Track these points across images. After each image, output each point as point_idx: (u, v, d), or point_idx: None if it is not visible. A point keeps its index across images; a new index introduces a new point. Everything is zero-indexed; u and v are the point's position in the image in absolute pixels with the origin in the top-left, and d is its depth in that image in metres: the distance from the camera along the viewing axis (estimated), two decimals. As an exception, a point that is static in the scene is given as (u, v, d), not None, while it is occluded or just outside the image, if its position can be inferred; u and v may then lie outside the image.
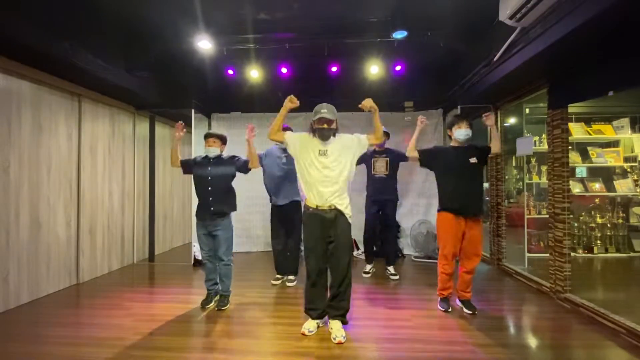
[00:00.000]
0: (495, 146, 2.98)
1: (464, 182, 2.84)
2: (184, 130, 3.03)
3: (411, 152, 3.07)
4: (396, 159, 3.95)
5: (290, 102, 2.53)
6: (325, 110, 2.47)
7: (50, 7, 2.91)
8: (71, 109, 3.69)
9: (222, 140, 3.05)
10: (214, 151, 2.99)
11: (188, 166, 3.05)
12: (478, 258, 2.88)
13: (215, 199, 2.95)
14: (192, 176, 3.08)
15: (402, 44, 3.75)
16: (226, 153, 3.14)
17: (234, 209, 3.10)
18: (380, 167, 3.92)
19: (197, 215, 3.02)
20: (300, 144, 2.54)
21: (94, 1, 3.19)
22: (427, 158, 3.03)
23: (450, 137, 2.99)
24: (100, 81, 3.59)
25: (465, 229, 2.84)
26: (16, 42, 2.64)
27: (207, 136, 3.00)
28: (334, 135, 2.53)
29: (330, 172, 2.45)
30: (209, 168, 2.98)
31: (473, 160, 2.86)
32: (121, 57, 3.81)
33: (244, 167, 3.04)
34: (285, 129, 3.57)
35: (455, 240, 2.86)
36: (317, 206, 2.47)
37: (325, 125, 2.45)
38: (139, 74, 4.00)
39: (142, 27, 3.68)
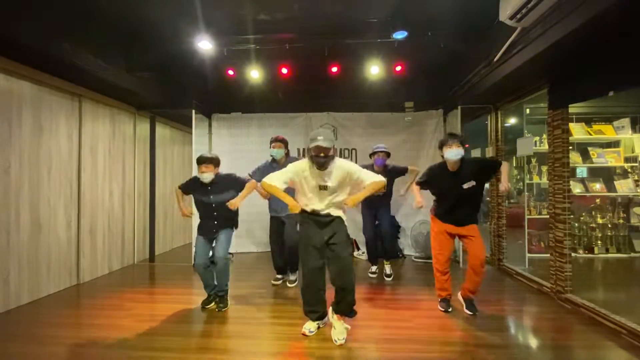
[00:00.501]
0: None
1: (457, 206, 2.83)
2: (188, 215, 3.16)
3: (415, 190, 3.07)
4: (394, 176, 3.92)
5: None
6: (321, 137, 2.37)
7: (50, 8, 2.91)
8: (72, 109, 3.70)
9: (215, 163, 2.95)
10: (207, 177, 2.91)
11: (187, 190, 3.10)
12: (481, 274, 2.81)
13: (219, 224, 2.99)
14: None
15: (402, 45, 3.74)
16: (225, 164, 3.13)
17: (237, 226, 3.15)
18: None
19: (199, 232, 3.03)
20: (298, 177, 2.49)
21: (95, 2, 3.19)
22: (425, 187, 3.00)
23: (442, 156, 2.85)
24: (101, 81, 3.59)
25: (459, 233, 2.87)
26: (17, 42, 2.64)
27: (200, 162, 2.90)
28: (333, 160, 2.46)
29: (325, 204, 2.48)
30: (211, 196, 2.95)
31: (467, 185, 2.74)
32: (121, 58, 3.81)
33: (241, 188, 3.03)
34: (281, 140, 3.53)
35: (446, 243, 2.91)
36: (312, 210, 2.51)
37: (322, 154, 2.38)
38: (140, 74, 4.00)
39: (143, 27, 3.68)
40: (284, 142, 3.56)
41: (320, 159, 2.37)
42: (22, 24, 2.64)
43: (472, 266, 2.83)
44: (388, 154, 3.85)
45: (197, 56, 4.10)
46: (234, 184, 3.02)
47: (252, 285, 3.67)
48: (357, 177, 2.45)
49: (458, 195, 2.78)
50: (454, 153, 2.71)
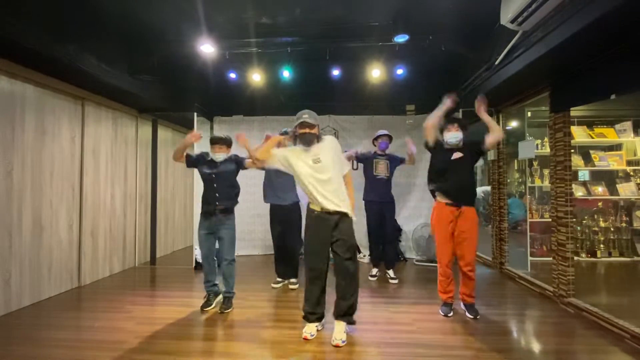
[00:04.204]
0: (494, 135, 2.78)
1: (453, 175, 2.87)
2: (197, 139, 3.02)
3: (429, 129, 2.95)
4: (394, 163, 4.04)
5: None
6: (306, 115, 2.48)
7: (54, 11, 2.94)
8: (74, 112, 3.72)
9: (228, 144, 3.09)
10: (221, 157, 3.03)
11: (192, 161, 3.08)
12: (474, 276, 2.88)
13: (220, 196, 3.02)
14: (196, 173, 3.08)
15: (403, 48, 3.76)
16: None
17: (237, 202, 3.15)
18: (382, 168, 3.97)
19: (202, 213, 3.05)
20: (291, 158, 2.50)
21: (98, 5, 3.22)
22: (432, 149, 3.04)
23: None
24: (104, 85, 3.61)
25: (458, 225, 2.85)
26: (20, 45, 2.66)
27: (214, 142, 3.02)
28: (318, 140, 2.52)
29: (324, 176, 2.45)
30: (215, 168, 3.04)
31: (457, 155, 2.86)
32: (124, 61, 3.83)
33: (242, 164, 3.12)
34: (284, 133, 3.51)
35: (448, 243, 2.88)
36: (321, 209, 2.47)
37: (306, 130, 2.45)
38: (142, 77, 4.02)
39: (146, 31, 3.71)
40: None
41: (306, 136, 2.44)
42: (25, 27, 2.66)
43: (463, 269, 2.88)
44: (391, 138, 4.00)
45: (199, 59, 4.12)
46: (235, 158, 3.11)
47: (252, 288, 3.66)
48: (340, 154, 2.58)
49: (451, 164, 2.85)
50: (452, 136, 2.85)
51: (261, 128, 5.35)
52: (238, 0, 3.18)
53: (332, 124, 5.32)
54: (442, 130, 2.94)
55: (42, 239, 3.28)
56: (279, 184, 3.59)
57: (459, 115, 4.60)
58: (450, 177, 2.88)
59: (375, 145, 4.07)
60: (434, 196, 3.03)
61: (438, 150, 3.01)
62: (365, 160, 4.03)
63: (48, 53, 2.85)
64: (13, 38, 2.57)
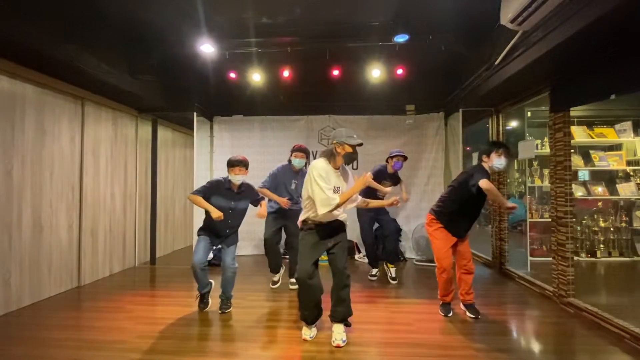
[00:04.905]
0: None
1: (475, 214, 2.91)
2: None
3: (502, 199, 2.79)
4: (397, 183, 4.10)
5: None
6: (356, 135, 2.43)
7: (54, 11, 2.93)
8: (74, 112, 3.72)
9: (247, 166, 2.96)
10: (240, 179, 2.93)
11: (208, 194, 2.91)
12: (473, 271, 2.93)
13: (230, 231, 3.04)
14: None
15: (403, 48, 3.75)
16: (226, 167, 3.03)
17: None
18: (387, 189, 3.90)
19: (204, 232, 2.97)
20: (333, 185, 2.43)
21: (98, 5, 3.22)
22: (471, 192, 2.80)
23: (482, 160, 2.81)
24: (104, 85, 3.61)
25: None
26: (21, 45, 2.67)
27: (234, 164, 2.88)
28: None
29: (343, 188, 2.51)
30: (232, 202, 2.96)
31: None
32: (124, 61, 3.83)
33: (255, 203, 3.19)
34: (304, 150, 3.47)
35: (450, 247, 2.88)
36: (320, 222, 2.46)
37: (355, 151, 2.46)
38: (142, 77, 4.02)
39: (146, 31, 3.71)
40: (305, 152, 3.51)
41: (355, 156, 2.48)
42: (26, 27, 2.66)
43: (464, 267, 2.90)
44: (405, 158, 3.96)
45: (199, 59, 4.12)
46: (251, 195, 3.11)
47: (252, 288, 3.67)
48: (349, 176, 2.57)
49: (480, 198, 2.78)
50: (504, 162, 2.76)
51: (261, 128, 5.36)
52: (238, 0, 3.18)
53: (332, 124, 5.32)
54: (488, 153, 2.77)
55: (42, 238, 3.28)
56: (293, 190, 3.54)
57: (460, 115, 4.61)
58: (461, 220, 2.87)
59: (388, 163, 3.95)
60: (433, 214, 2.96)
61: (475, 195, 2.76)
62: (375, 179, 3.77)
63: (48, 53, 2.85)
64: (13, 38, 2.57)
